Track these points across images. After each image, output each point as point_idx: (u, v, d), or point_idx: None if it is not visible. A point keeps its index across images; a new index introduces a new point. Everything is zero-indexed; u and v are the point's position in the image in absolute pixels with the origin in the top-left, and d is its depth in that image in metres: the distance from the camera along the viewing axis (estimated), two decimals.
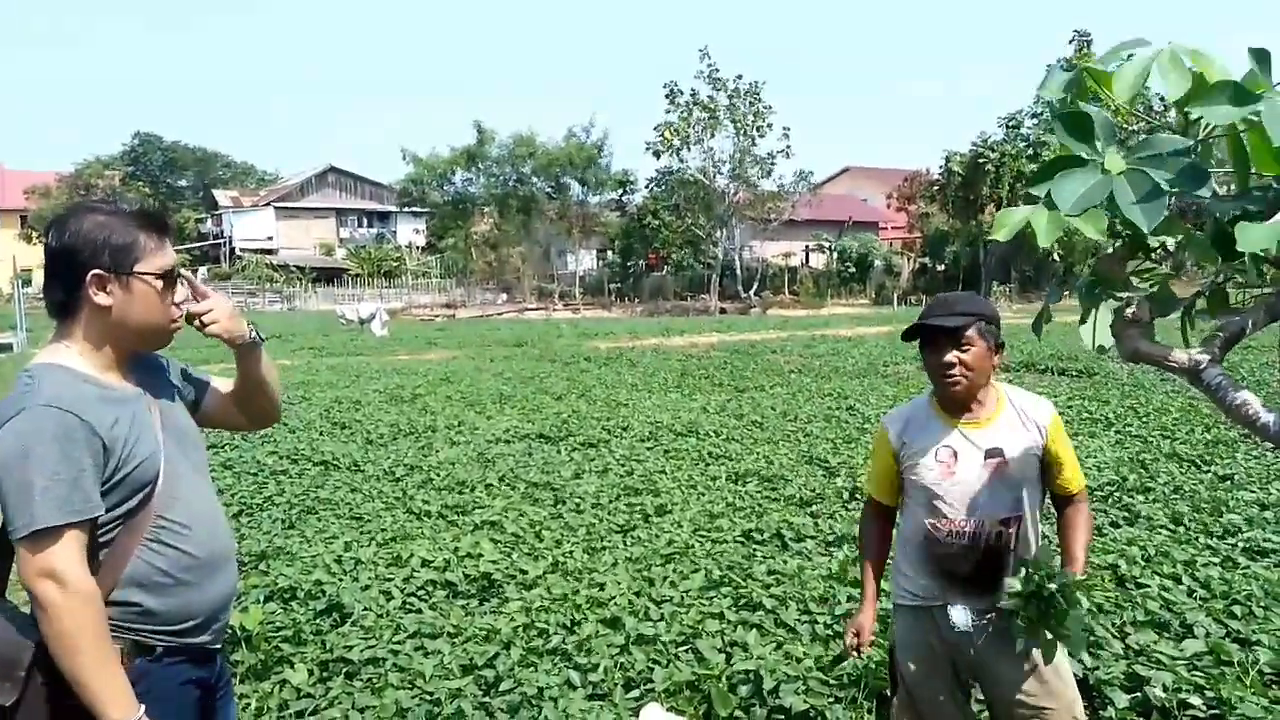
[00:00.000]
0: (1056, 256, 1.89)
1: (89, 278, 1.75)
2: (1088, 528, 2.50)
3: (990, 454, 2.40)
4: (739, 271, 45.85)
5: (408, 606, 4.41)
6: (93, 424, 1.70)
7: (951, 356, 2.37)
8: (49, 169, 54.79)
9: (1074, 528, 2.48)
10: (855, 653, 2.70)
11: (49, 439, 1.65)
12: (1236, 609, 3.98)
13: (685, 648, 3.82)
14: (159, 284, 1.82)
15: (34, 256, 50.56)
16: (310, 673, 3.68)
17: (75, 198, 49.18)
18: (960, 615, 2.43)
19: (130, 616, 1.76)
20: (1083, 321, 1.95)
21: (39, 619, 1.65)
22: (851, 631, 2.68)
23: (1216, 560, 4.69)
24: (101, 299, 1.77)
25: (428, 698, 3.42)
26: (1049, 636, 2.20)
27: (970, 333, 2.37)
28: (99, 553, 1.74)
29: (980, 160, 41.11)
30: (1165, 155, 1.61)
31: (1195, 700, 3.18)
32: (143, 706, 1.70)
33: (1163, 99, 1.72)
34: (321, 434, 9.24)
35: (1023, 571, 2.27)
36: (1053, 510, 2.63)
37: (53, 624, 1.63)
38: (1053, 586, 2.14)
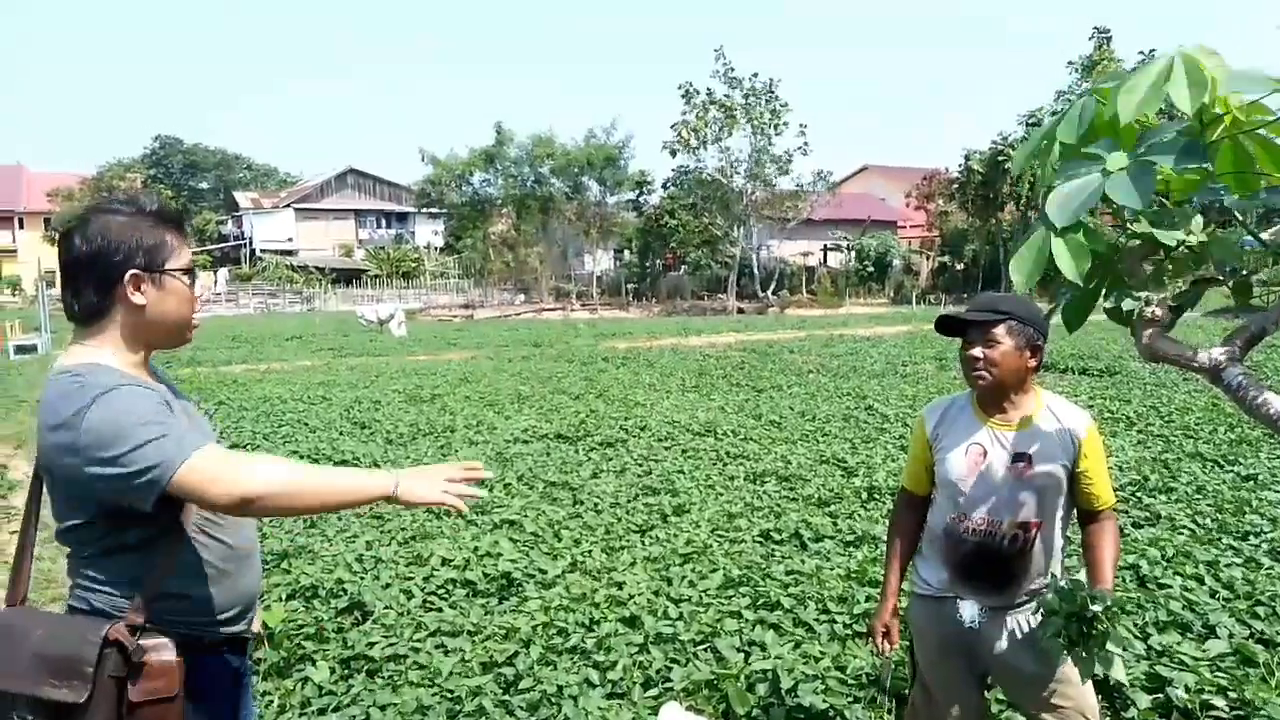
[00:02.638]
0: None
1: (127, 278, 1.78)
2: (1114, 545, 2.43)
3: (1018, 457, 2.40)
4: (756, 271, 45.74)
5: (428, 605, 4.44)
6: (162, 395, 1.78)
7: (977, 351, 2.41)
8: (72, 171, 55.39)
9: (1100, 545, 2.42)
10: (887, 653, 2.71)
11: (138, 406, 1.68)
12: (1260, 610, 3.95)
13: (704, 647, 3.83)
14: (187, 279, 1.87)
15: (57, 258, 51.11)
16: (332, 670, 3.72)
17: (98, 200, 49.74)
18: (969, 610, 2.46)
19: (181, 609, 1.79)
20: (1073, 331, 1.97)
21: (267, 508, 1.69)
22: (880, 632, 2.69)
23: (1240, 561, 4.66)
24: (137, 298, 1.80)
25: (448, 695, 3.45)
26: (1085, 656, 2.19)
27: (998, 330, 2.38)
28: (156, 544, 1.77)
29: (1000, 158, 40.83)
30: (1163, 141, 1.61)
31: (1219, 702, 3.16)
32: (398, 471, 1.80)
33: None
34: (342, 434, 9.30)
35: (1058, 590, 2.25)
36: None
37: (277, 498, 1.67)
38: (1097, 608, 2.11)
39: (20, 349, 21.34)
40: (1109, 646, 2.12)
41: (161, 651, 1.73)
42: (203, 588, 1.83)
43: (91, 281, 1.78)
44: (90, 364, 1.76)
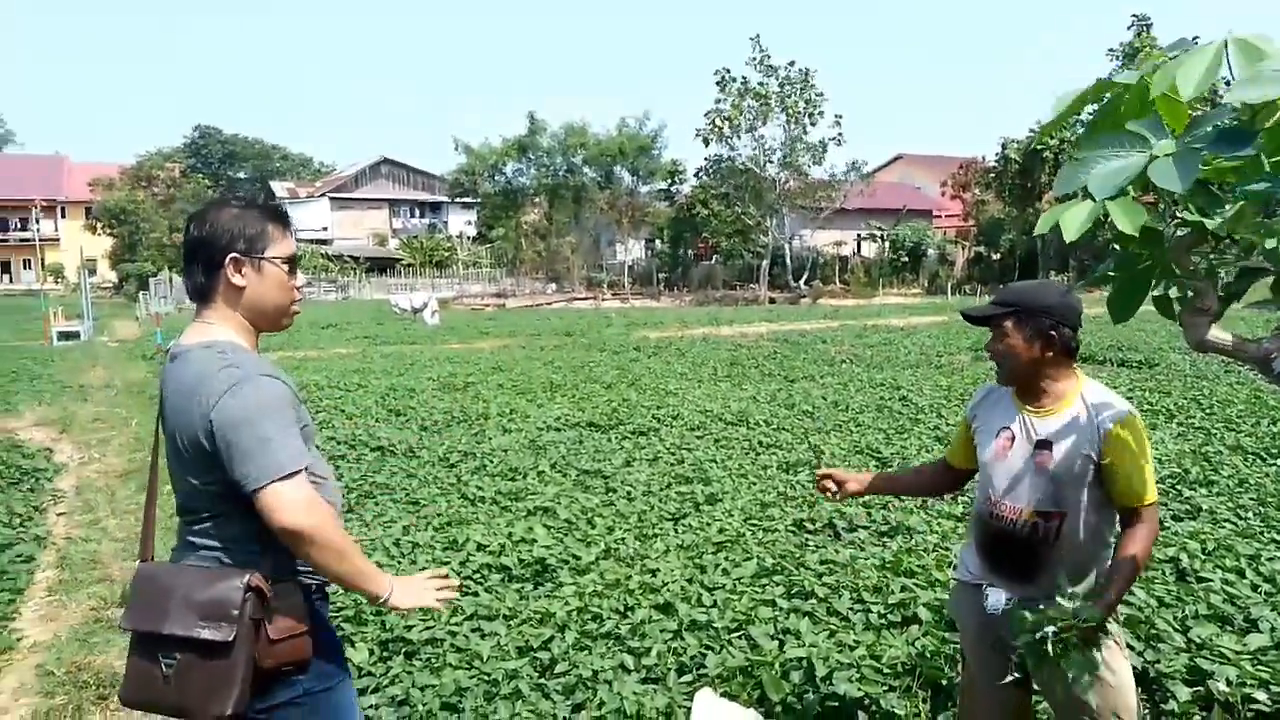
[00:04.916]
0: (1116, 246, 1.88)
1: (227, 261, 1.99)
2: (1137, 553, 2.31)
3: (1039, 445, 2.39)
4: (789, 261, 45.52)
5: (464, 589, 4.49)
6: (293, 389, 1.99)
7: (990, 344, 2.48)
8: (113, 161, 56.27)
9: (1121, 553, 2.34)
10: (822, 489, 2.88)
11: (274, 400, 1.91)
12: None
13: (738, 634, 3.83)
14: (285, 268, 2.07)
15: (99, 247, 52.13)
16: (371, 652, 3.77)
17: (138, 189, 50.61)
18: (994, 598, 2.46)
19: (297, 561, 1.98)
20: (1120, 320, 1.95)
21: (304, 549, 1.88)
22: (830, 475, 2.86)
23: None
24: (237, 280, 2.01)
25: (485, 678, 3.49)
26: (1046, 676, 2.21)
27: (1006, 324, 2.41)
28: None
29: (1038, 147, 40.27)
30: (1211, 128, 1.59)
31: (1260, 695, 3.12)
32: (393, 579, 2.06)
33: (1229, 83, 1.70)
34: (378, 420, 9.40)
35: (1030, 611, 2.24)
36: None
37: (322, 545, 1.88)
38: (1049, 630, 2.12)
39: (63, 335, 21.78)
40: (1069, 666, 2.12)
41: (292, 595, 1.96)
42: None
43: (200, 263, 2.02)
44: (229, 342, 1.98)
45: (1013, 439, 2.45)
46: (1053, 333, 2.37)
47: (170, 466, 2.01)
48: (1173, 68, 1.63)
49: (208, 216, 2.03)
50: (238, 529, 1.95)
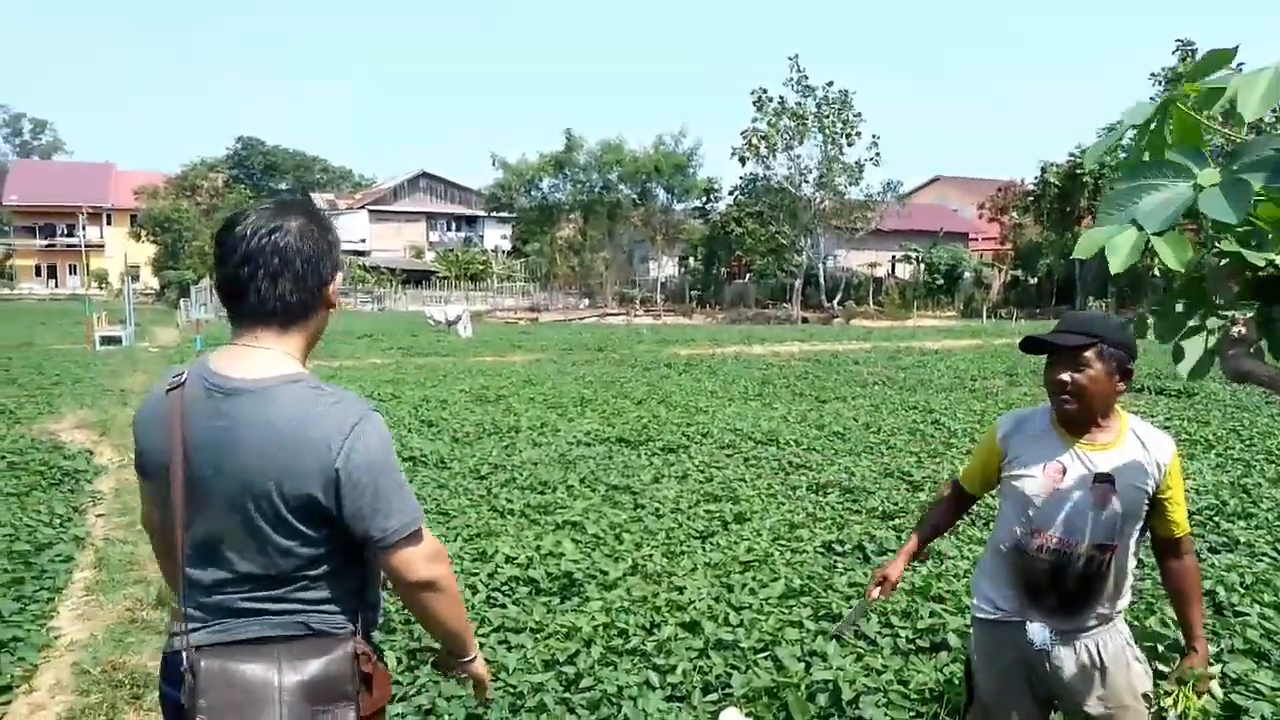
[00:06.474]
0: (1157, 272, 1.86)
1: (338, 279, 1.73)
2: (1199, 585, 2.41)
3: (1100, 479, 2.33)
4: (823, 281, 45.40)
5: (492, 601, 4.52)
6: None
7: (1066, 375, 2.31)
8: (158, 170, 57.47)
9: (1187, 589, 2.41)
10: (871, 597, 2.80)
11: (389, 439, 1.67)
12: None
13: (764, 655, 3.82)
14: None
15: (142, 253, 53.21)
16: (399, 660, 3.80)
17: (182, 198, 51.61)
18: (1039, 633, 2.39)
19: (372, 618, 1.78)
20: (1168, 342, 1.93)
21: (433, 601, 1.69)
22: (876, 581, 2.78)
23: None
24: (335, 300, 1.74)
25: (511, 690, 3.51)
26: None
27: (1089, 354, 2.29)
28: (366, 559, 1.72)
29: (1077, 171, 39.93)
30: (1260, 157, 1.58)
31: None
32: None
33: (1277, 113, 1.69)
34: (410, 431, 9.48)
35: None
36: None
37: (447, 598, 1.71)
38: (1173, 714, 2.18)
39: (106, 340, 22.20)
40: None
41: (378, 660, 1.75)
42: (378, 594, 1.82)
43: (298, 277, 1.64)
44: (307, 374, 1.65)
45: (1063, 471, 2.37)
46: (1129, 367, 2.34)
47: (225, 529, 1.61)
48: (1230, 90, 1.62)
49: (305, 223, 1.65)
50: (334, 589, 1.66)
